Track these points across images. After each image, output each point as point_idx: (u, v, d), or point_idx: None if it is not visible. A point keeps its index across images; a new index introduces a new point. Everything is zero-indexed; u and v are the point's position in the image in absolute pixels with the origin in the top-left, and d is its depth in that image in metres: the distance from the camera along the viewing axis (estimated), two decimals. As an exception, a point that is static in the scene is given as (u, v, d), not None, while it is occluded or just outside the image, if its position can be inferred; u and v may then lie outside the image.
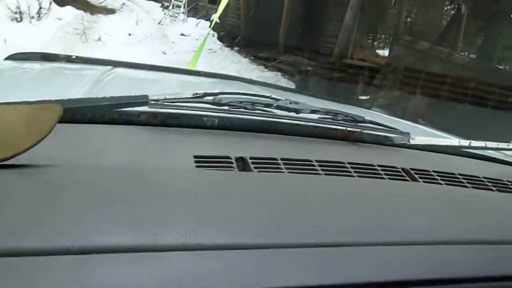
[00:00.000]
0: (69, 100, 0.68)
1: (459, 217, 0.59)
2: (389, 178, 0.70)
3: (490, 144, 0.95)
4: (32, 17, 7.61)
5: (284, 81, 6.83)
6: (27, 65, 1.45)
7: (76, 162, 0.55)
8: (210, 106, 0.79)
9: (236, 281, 0.34)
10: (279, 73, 7.26)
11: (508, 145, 0.96)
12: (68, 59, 1.54)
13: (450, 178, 0.76)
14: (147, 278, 0.32)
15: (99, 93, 0.75)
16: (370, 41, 9.96)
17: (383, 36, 10.99)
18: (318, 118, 0.88)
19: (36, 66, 1.47)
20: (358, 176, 0.68)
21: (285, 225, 0.45)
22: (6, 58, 1.47)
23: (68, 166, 0.52)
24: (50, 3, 8.69)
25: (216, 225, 0.41)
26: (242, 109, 0.81)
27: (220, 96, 0.80)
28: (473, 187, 0.74)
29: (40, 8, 7.91)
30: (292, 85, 6.33)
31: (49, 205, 0.40)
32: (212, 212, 0.44)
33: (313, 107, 0.88)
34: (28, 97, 0.64)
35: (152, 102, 0.73)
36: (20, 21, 7.35)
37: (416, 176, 0.74)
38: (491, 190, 0.75)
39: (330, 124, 0.88)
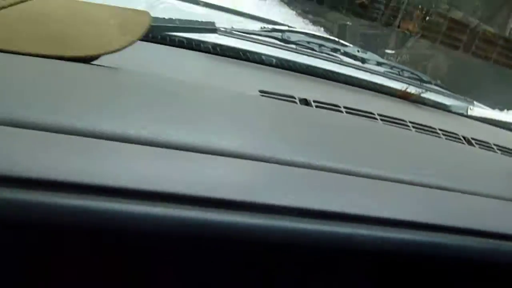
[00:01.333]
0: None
1: (502, 178, 0.55)
2: (446, 139, 0.70)
3: None
4: None
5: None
6: None
7: (143, 71, 0.54)
8: (278, 42, 0.78)
9: (270, 191, 0.32)
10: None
11: None
12: None
13: (509, 151, 0.75)
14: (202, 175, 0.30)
15: (155, 14, 0.69)
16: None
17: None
18: (384, 71, 0.86)
19: None
20: (417, 132, 0.68)
21: (335, 152, 0.43)
22: None
23: (136, 73, 0.51)
24: None
25: (265, 141, 0.40)
26: (309, 50, 0.79)
27: (288, 33, 0.79)
28: None
29: None
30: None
31: (117, 101, 0.38)
32: (267, 132, 0.43)
33: (380, 59, 0.87)
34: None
35: (221, 30, 0.73)
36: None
37: (477, 145, 0.73)
38: None
39: (394, 80, 0.87)
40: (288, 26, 0.85)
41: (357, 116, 0.65)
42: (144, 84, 0.46)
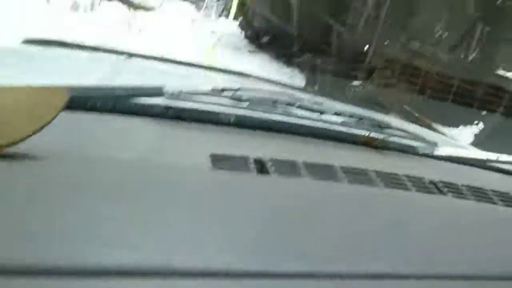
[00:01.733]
0: (81, 87, 0.65)
1: (492, 244, 0.53)
2: (416, 190, 0.67)
3: None
4: (87, 8, 8.83)
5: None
6: (43, 50, 1.41)
7: (84, 153, 0.51)
8: (229, 101, 0.75)
9: None
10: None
11: None
12: (83, 46, 1.51)
13: (481, 194, 0.72)
14: None
15: (113, 82, 0.73)
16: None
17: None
18: (342, 121, 0.85)
19: (52, 51, 1.42)
20: (384, 185, 0.65)
21: (303, 249, 0.39)
22: (24, 42, 1.43)
23: (75, 158, 0.47)
24: (100, -2, 9.93)
25: (216, 249, 0.36)
26: (263, 106, 0.77)
27: (239, 92, 0.77)
28: (505, 205, 0.70)
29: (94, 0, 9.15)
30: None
31: (43, 208, 0.34)
32: (227, 223, 0.40)
33: (337, 109, 0.85)
34: (40, 82, 0.60)
35: (169, 93, 0.70)
36: (77, 9, 8.57)
37: (445, 189, 0.70)
38: None
39: (354, 128, 0.84)
40: (251, 75, 0.82)
41: (318, 181, 0.60)
42: (67, 176, 0.42)
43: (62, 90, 0.49)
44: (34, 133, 0.43)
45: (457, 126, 5.16)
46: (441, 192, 0.69)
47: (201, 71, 1.66)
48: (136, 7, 12.85)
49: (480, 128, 5.14)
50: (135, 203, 0.39)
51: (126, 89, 0.70)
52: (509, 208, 0.70)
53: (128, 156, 0.54)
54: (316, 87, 5.64)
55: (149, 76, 1.34)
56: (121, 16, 9.77)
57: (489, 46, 7.59)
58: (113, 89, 0.70)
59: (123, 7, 10.94)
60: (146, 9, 14.00)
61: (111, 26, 8.65)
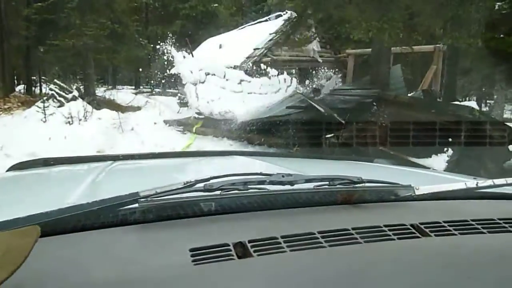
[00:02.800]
0: (58, 210, 0.66)
1: (481, 271, 0.54)
2: (398, 238, 0.67)
3: (497, 181, 0.91)
4: (80, 120, 9.67)
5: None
6: (29, 173, 1.41)
7: (64, 279, 0.51)
8: (202, 193, 0.76)
9: None
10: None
11: None
12: (70, 160, 1.52)
13: (464, 226, 0.72)
14: None
15: (96, 192, 0.74)
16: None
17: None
18: (314, 186, 0.85)
19: (38, 172, 1.43)
20: (365, 241, 0.65)
21: None
22: (8, 170, 1.43)
23: (56, 286, 0.48)
24: (92, 108, 10.88)
25: None
26: (235, 191, 0.78)
27: (211, 181, 0.77)
28: (489, 232, 0.70)
29: (86, 112, 10.03)
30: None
31: None
32: None
33: (307, 176, 0.85)
34: (25, 208, 0.63)
35: (142, 200, 0.71)
36: (72, 123, 9.39)
37: (427, 230, 0.70)
38: (510, 231, 0.71)
39: (326, 191, 0.85)
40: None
41: (300, 252, 0.61)
42: None
43: (31, 230, 0.50)
44: (7, 278, 0.43)
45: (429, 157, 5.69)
46: (423, 234, 0.69)
47: (179, 159, 1.73)
48: (124, 109, 13.92)
49: (449, 156, 5.68)
50: None
51: (101, 202, 0.69)
52: (495, 235, 0.70)
53: (107, 275, 0.54)
54: (295, 148, 6.24)
55: (132, 176, 1.38)
56: (112, 119, 10.62)
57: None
58: (89, 204, 0.69)
59: (113, 112, 11.88)
60: (134, 108, 15.12)
61: (104, 130, 9.44)
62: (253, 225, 0.74)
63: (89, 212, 0.69)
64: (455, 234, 0.70)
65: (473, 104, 6.00)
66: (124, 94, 21.35)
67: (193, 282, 0.51)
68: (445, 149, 5.67)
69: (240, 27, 19.93)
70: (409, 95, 7.91)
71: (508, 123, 5.90)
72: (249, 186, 0.81)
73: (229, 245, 0.63)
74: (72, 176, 1.40)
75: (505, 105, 12.23)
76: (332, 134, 5.93)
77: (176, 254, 0.62)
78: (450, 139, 5.67)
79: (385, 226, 0.71)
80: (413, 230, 0.71)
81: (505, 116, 11.14)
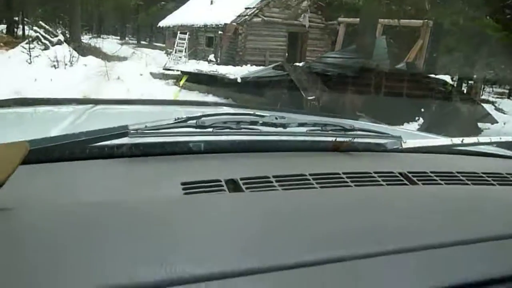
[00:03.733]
0: (44, 139, 0.64)
1: (465, 216, 0.56)
2: (387, 184, 0.69)
3: (482, 139, 0.94)
4: (66, 64, 9.64)
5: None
6: (9, 111, 1.39)
7: (54, 202, 0.52)
8: (194, 130, 0.75)
9: None
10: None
11: (500, 138, 0.97)
12: (48, 101, 1.48)
13: (449, 178, 0.75)
14: None
15: (78, 130, 0.69)
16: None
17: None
18: (307, 130, 0.86)
19: (17, 110, 1.41)
20: (356, 185, 0.66)
21: (285, 245, 0.42)
22: None
23: (45, 207, 0.48)
24: (78, 54, 10.80)
25: (209, 255, 0.38)
26: (227, 129, 0.78)
27: (203, 118, 0.76)
28: (473, 184, 0.73)
29: (72, 57, 9.97)
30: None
31: (20, 255, 0.36)
32: (204, 242, 0.41)
33: (300, 120, 0.86)
34: (10, 140, 0.58)
35: (132, 132, 0.70)
36: (57, 67, 9.36)
37: (415, 179, 0.72)
38: (492, 184, 0.74)
39: (319, 136, 0.86)
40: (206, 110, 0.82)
41: (291, 190, 0.62)
42: (39, 224, 0.43)
43: (20, 144, 0.50)
44: None
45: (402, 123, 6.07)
46: (411, 182, 0.71)
47: (165, 107, 1.68)
48: (110, 58, 13.78)
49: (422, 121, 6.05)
50: (117, 240, 0.40)
51: (89, 133, 0.68)
52: (478, 186, 0.73)
53: (101, 199, 0.55)
54: (278, 105, 6.51)
55: (115, 119, 1.32)
56: (98, 66, 10.59)
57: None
58: (76, 135, 0.68)
59: (98, 60, 11.80)
60: (120, 58, 14.97)
61: (90, 77, 9.45)
62: (245, 164, 0.75)
63: (76, 143, 0.67)
64: (441, 184, 0.72)
65: (447, 78, 6.33)
66: (109, 44, 20.89)
67: (184, 210, 0.51)
68: (416, 117, 6.04)
69: (233, -16, 19.50)
70: (395, 67, 8.19)
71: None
72: (241, 125, 0.80)
73: (221, 181, 0.63)
74: (53, 116, 1.38)
75: (484, 87, 12.69)
76: (313, 97, 6.20)
77: (166, 186, 0.62)
78: (422, 109, 6.03)
79: (375, 172, 0.73)
80: (402, 178, 0.73)
81: (483, 97, 11.60)
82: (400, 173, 0.74)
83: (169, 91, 9.14)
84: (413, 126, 5.92)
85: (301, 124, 0.86)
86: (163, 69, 11.68)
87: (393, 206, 0.59)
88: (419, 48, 10.63)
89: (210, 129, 0.77)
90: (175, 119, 0.76)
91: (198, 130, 0.77)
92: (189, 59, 15.09)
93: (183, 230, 0.45)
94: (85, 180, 0.65)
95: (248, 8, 14.49)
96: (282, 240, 0.44)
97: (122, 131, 0.71)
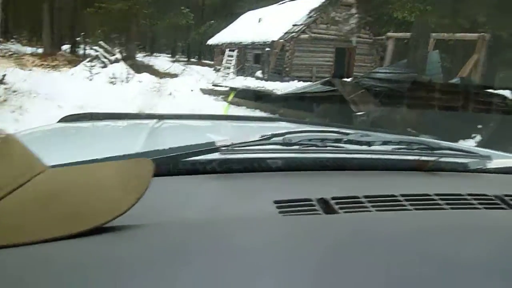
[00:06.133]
0: (136, 154, 0.67)
1: None
2: (484, 208, 0.65)
3: None
4: (123, 81, 10.23)
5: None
6: (80, 125, 1.46)
7: (165, 219, 0.53)
8: (280, 147, 0.76)
9: None
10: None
11: None
12: (116, 116, 1.56)
13: None
14: None
15: (157, 145, 0.73)
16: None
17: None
18: (392, 149, 0.84)
19: (89, 125, 1.48)
20: (451, 208, 0.63)
21: (387, 260, 0.41)
22: (59, 121, 1.48)
23: (160, 224, 0.49)
24: (133, 71, 11.42)
25: (311, 279, 0.37)
26: (313, 147, 0.78)
27: (288, 136, 0.77)
28: None
29: (127, 74, 10.58)
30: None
31: (156, 272, 0.36)
32: (305, 264, 0.40)
33: (384, 137, 0.85)
34: (93, 155, 0.64)
35: (223, 148, 0.72)
36: (115, 83, 9.95)
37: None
38: None
39: (405, 155, 0.84)
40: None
41: (385, 212, 0.61)
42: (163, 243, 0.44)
43: (147, 161, 0.51)
44: (132, 205, 0.43)
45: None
46: (510, 206, 0.67)
47: (226, 122, 1.73)
48: (162, 75, 14.43)
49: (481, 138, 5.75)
50: (220, 259, 0.41)
51: (181, 148, 0.72)
52: None
53: (200, 215, 0.57)
54: (327, 120, 6.47)
55: (187, 133, 1.40)
56: (152, 83, 11.12)
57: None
58: (170, 150, 0.71)
59: (152, 77, 12.40)
60: (171, 75, 15.62)
61: (144, 93, 9.94)
62: (333, 183, 0.74)
63: (167, 158, 0.69)
64: None
65: (507, 93, 5.98)
66: (161, 61, 21.90)
67: (282, 231, 0.50)
68: (473, 134, 5.76)
69: (280, 2, 19.84)
70: (449, 82, 7.91)
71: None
72: (327, 143, 0.80)
73: (312, 200, 0.62)
74: (127, 129, 1.44)
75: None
76: (363, 112, 6.11)
77: (261, 203, 0.62)
78: (479, 125, 5.75)
79: (468, 195, 0.69)
80: (498, 201, 0.68)
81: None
82: (495, 196, 0.70)
83: (218, 106, 9.40)
84: (470, 143, 5.66)
85: (385, 142, 0.85)
86: (212, 85, 12.04)
87: (491, 230, 0.55)
88: (474, 63, 10.20)
89: (296, 147, 0.78)
90: (261, 136, 0.77)
91: (284, 147, 0.77)
92: (237, 75, 15.43)
93: (285, 252, 0.43)
94: (180, 196, 0.66)
95: (296, 25, 14.65)
96: (382, 267, 0.41)
97: (213, 147, 0.73)
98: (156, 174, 0.59)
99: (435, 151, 0.85)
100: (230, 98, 9.88)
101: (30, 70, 10.58)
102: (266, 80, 12.41)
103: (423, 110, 5.99)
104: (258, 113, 8.90)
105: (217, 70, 17.10)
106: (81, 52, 17.22)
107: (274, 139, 0.78)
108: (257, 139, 0.76)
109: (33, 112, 6.45)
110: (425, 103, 6.19)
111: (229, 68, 15.85)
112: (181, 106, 8.59)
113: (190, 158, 0.73)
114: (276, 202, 0.61)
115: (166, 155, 0.70)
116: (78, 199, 0.44)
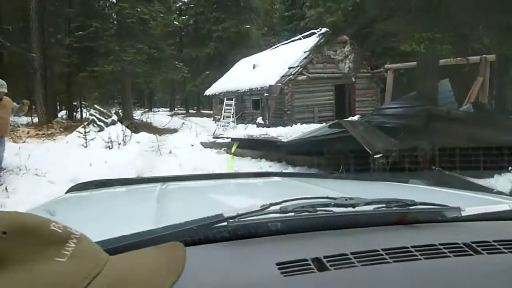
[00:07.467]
0: (155, 230, 0.77)
1: None
2: (454, 255, 0.73)
3: None
4: (119, 144, 9.75)
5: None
6: (88, 194, 1.52)
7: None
8: (278, 215, 0.86)
9: None
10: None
11: None
12: (121, 182, 1.64)
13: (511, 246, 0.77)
14: None
15: (167, 212, 0.83)
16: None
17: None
18: (374, 208, 0.95)
19: (98, 193, 1.55)
20: (425, 258, 0.72)
21: None
22: (68, 191, 1.53)
23: None
24: (130, 132, 11.00)
25: None
26: (306, 213, 0.88)
27: (284, 204, 0.88)
28: None
29: (124, 136, 10.12)
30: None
31: None
32: None
33: (366, 200, 0.95)
34: (110, 224, 0.71)
35: (231, 220, 0.82)
36: (111, 148, 9.47)
37: (479, 248, 0.76)
38: None
39: (385, 212, 0.94)
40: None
41: (369, 266, 0.70)
42: None
43: (180, 245, 0.58)
44: (174, 283, 0.51)
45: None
46: (476, 252, 0.75)
47: (226, 181, 1.85)
48: (161, 132, 14.06)
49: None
50: None
51: (192, 222, 0.81)
52: None
53: (215, 283, 0.66)
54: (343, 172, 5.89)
55: (189, 196, 1.50)
56: (150, 142, 10.67)
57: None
58: (180, 225, 0.80)
59: (150, 135, 11.98)
60: (170, 131, 15.27)
61: (143, 154, 9.45)
62: (324, 242, 0.83)
63: (186, 230, 0.80)
64: (505, 252, 0.75)
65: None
66: (160, 116, 21.78)
67: None
68: (510, 167, 5.14)
69: (273, 47, 19.93)
70: (461, 110, 7.39)
71: None
72: (317, 208, 0.91)
73: (307, 260, 0.71)
74: (136, 195, 1.54)
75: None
76: (381, 155, 5.54)
77: (265, 267, 0.71)
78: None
79: (440, 244, 0.77)
80: (466, 248, 0.77)
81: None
82: (464, 244, 0.78)
83: (221, 160, 8.84)
84: (507, 178, 5.04)
85: (368, 203, 0.95)
86: (213, 137, 11.60)
87: (461, 277, 0.63)
88: (480, 86, 9.77)
89: (292, 214, 0.88)
90: (261, 206, 0.87)
91: (281, 215, 0.87)
92: (237, 123, 15.08)
93: None
94: (200, 264, 0.72)
95: (292, 67, 14.48)
96: None
97: (222, 219, 0.82)
98: None
99: (411, 208, 0.96)
100: (233, 149, 9.37)
101: (24, 142, 10.18)
102: (268, 126, 12.02)
103: (446, 145, 5.41)
104: (264, 163, 8.36)
105: (217, 120, 16.83)
106: (78, 116, 17.04)
107: (272, 207, 0.87)
108: (258, 208, 0.86)
109: (20, 192, 5.89)
110: (446, 137, 5.63)
111: (228, 117, 15.54)
112: (182, 165, 8.04)
113: (200, 231, 0.81)
114: (277, 264, 0.70)
115: (181, 229, 0.79)
116: (135, 285, 0.51)
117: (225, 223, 0.82)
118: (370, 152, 5.62)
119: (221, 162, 8.56)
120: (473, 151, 5.14)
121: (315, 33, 15.04)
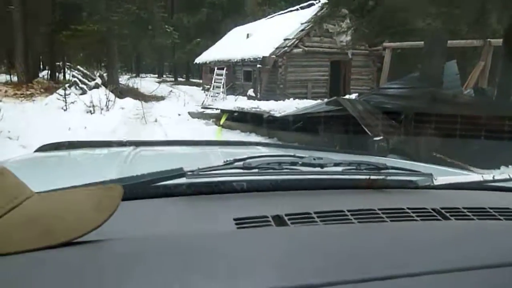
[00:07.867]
0: (111, 180, 0.75)
1: (497, 244, 0.59)
2: (421, 219, 0.72)
3: None
4: (102, 109, 9.19)
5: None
6: (58, 154, 1.50)
7: (132, 235, 0.59)
8: (241, 171, 0.83)
9: None
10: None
11: None
12: (92, 144, 1.61)
13: (482, 213, 0.76)
14: None
15: (131, 172, 0.80)
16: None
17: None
18: (342, 170, 0.91)
19: (66, 154, 1.52)
20: (391, 220, 0.70)
21: (328, 265, 0.48)
22: (36, 151, 1.52)
23: (127, 239, 0.56)
24: (114, 97, 10.41)
25: (260, 277, 0.45)
26: (271, 170, 0.85)
27: (248, 160, 0.85)
28: (506, 219, 0.75)
29: (108, 101, 9.55)
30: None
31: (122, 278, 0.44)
32: (254, 267, 0.48)
33: (335, 160, 0.91)
34: (71, 182, 0.70)
35: (189, 173, 0.79)
36: (93, 113, 8.92)
37: (447, 214, 0.74)
38: None
39: (354, 175, 0.91)
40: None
41: (331, 225, 0.68)
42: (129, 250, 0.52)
43: (117, 186, 0.60)
44: (104, 222, 0.53)
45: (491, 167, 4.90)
46: (445, 217, 0.74)
47: (203, 147, 1.79)
48: (148, 98, 13.46)
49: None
50: (185, 268, 0.48)
51: (151, 174, 0.79)
52: (511, 221, 0.76)
53: (165, 233, 0.63)
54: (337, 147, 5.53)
55: (160, 161, 1.48)
56: (135, 109, 10.14)
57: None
58: (140, 176, 0.78)
59: (136, 101, 11.41)
60: (157, 98, 14.66)
61: (127, 122, 8.94)
62: (288, 202, 0.80)
63: (138, 183, 0.77)
64: (473, 219, 0.74)
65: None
66: (147, 82, 20.98)
67: (238, 242, 0.57)
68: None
69: (268, 16, 19.14)
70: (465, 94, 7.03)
71: None
72: (283, 166, 0.87)
73: (268, 217, 0.69)
74: (104, 157, 1.53)
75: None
76: (381, 137, 5.20)
77: (221, 222, 0.69)
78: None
79: (409, 208, 0.76)
80: (435, 214, 0.75)
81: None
82: (433, 209, 0.76)
83: (209, 131, 8.41)
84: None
85: (337, 164, 0.91)
86: (202, 108, 11.09)
87: (426, 240, 0.62)
88: (481, 71, 9.42)
89: (256, 170, 0.85)
90: (224, 161, 0.84)
91: (245, 171, 0.84)
92: (227, 94, 14.54)
93: (239, 260, 0.50)
94: (149, 217, 0.72)
95: (287, 39, 13.86)
96: (322, 263, 0.50)
97: (180, 172, 0.79)
98: (129, 198, 0.71)
99: (381, 171, 0.92)
100: (222, 121, 8.93)
101: (0, 101, 9.53)
102: (260, 99, 11.53)
103: (450, 131, 5.07)
104: (254, 138, 7.95)
105: (206, 90, 16.23)
106: (62, 77, 16.23)
107: (236, 163, 0.84)
108: (220, 164, 0.84)
109: (-11, 156, 5.42)
110: (450, 123, 5.29)
111: (219, 87, 14.95)
112: (169, 136, 7.57)
113: (160, 183, 0.79)
114: (235, 219, 0.68)
115: (137, 181, 0.77)
116: (58, 219, 0.54)
117: (182, 179, 0.80)
118: (370, 134, 5.27)
119: (209, 133, 8.11)
120: (479, 140, 4.83)
121: (314, 4, 14.38)
